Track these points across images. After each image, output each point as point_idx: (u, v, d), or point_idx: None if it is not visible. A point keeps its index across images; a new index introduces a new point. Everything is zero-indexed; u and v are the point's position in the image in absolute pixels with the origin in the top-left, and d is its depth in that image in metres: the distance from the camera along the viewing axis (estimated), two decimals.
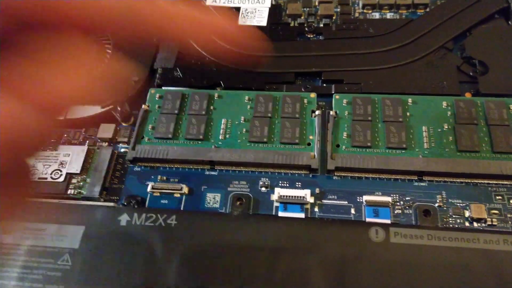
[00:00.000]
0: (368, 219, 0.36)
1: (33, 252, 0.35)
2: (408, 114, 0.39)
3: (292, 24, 0.48)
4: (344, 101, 0.40)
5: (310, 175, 0.38)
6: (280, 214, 0.36)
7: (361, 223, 0.35)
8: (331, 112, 0.39)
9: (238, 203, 0.37)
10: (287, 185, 0.38)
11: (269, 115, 0.40)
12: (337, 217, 0.36)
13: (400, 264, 0.32)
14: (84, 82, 0.20)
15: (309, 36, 0.47)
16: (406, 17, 0.47)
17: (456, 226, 0.35)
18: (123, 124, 0.43)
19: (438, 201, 0.36)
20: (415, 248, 0.32)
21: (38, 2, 0.19)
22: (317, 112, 0.40)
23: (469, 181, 0.36)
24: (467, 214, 0.35)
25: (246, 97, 0.41)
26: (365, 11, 0.49)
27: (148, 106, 0.42)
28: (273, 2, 0.50)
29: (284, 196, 0.37)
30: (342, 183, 0.38)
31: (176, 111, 0.41)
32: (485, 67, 0.41)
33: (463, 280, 0.31)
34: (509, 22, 0.45)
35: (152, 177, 0.39)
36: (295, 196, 0.37)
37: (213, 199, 0.38)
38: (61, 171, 0.40)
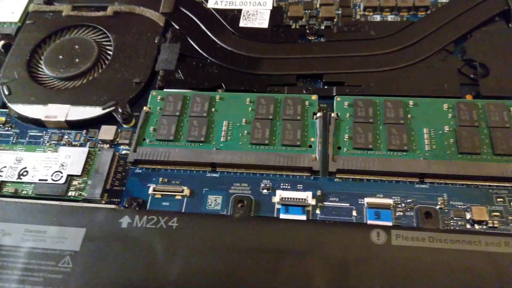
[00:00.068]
0: (369, 221, 0.35)
1: (33, 255, 0.35)
2: (409, 116, 0.39)
3: (293, 26, 0.48)
4: (346, 103, 0.40)
5: (312, 177, 0.38)
6: (282, 216, 0.36)
7: (362, 226, 0.35)
8: (333, 114, 0.40)
9: (239, 205, 0.37)
10: (289, 187, 0.38)
11: (271, 117, 0.40)
12: (339, 219, 0.36)
13: (401, 266, 0.32)
14: None
15: (310, 38, 0.47)
16: (407, 20, 0.47)
17: (458, 228, 0.35)
18: (124, 126, 0.43)
19: (439, 203, 0.36)
20: (417, 250, 0.32)
21: None
22: (318, 114, 0.40)
23: (470, 183, 0.37)
24: (468, 216, 0.35)
25: (248, 99, 0.41)
26: (366, 13, 0.49)
27: (150, 108, 0.42)
28: (275, 4, 0.50)
29: (285, 198, 0.37)
30: (344, 185, 0.38)
31: (177, 113, 0.41)
32: (486, 69, 0.41)
33: (464, 282, 0.31)
34: (510, 25, 0.45)
35: (154, 179, 0.39)
36: (296, 198, 0.37)
37: (214, 201, 0.38)
38: (61, 173, 0.40)
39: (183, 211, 0.38)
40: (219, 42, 0.47)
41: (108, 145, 0.42)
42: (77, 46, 0.47)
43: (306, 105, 0.40)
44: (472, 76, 0.41)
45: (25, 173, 0.40)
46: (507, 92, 0.40)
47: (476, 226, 0.35)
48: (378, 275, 0.32)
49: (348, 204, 0.37)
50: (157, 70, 0.45)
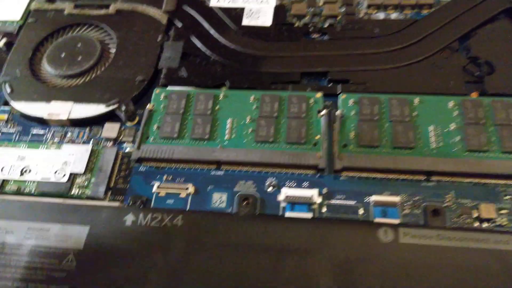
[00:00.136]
0: (376, 219, 0.35)
1: (36, 253, 0.34)
2: (414, 114, 0.39)
3: (296, 25, 0.48)
4: (351, 100, 0.40)
5: (317, 175, 0.38)
6: (287, 214, 0.36)
7: (369, 224, 0.35)
8: (338, 112, 0.39)
9: (244, 203, 0.37)
10: (294, 185, 0.38)
11: (275, 115, 0.40)
12: (345, 218, 0.36)
13: (409, 264, 0.31)
14: None
15: (313, 36, 0.47)
16: (411, 18, 0.47)
17: (465, 226, 0.35)
18: (128, 124, 0.42)
19: (446, 201, 0.36)
20: (425, 248, 0.32)
21: None
22: (323, 112, 0.39)
23: (478, 181, 0.36)
24: (476, 214, 0.35)
25: (252, 97, 0.41)
26: (369, 11, 0.49)
27: (153, 106, 0.41)
28: (278, 3, 0.50)
29: (291, 196, 0.36)
30: (350, 183, 0.37)
31: (181, 111, 0.41)
32: (491, 67, 0.41)
33: (473, 281, 0.31)
34: None
35: (158, 177, 0.39)
36: (302, 196, 0.36)
37: (219, 199, 0.38)
38: (64, 170, 0.39)
39: (188, 209, 0.37)
40: (222, 40, 0.46)
41: (111, 143, 0.42)
42: (79, 44, 0.47)
43: (311, 102, 0.40)
44: (477, 74, 0.41)
45: (27, 171, 0.40)
46: None
47: (484, 224, 0.35)
48: (386, 274, 0.31)
49: (354, 202, 0.36)
50: (160, 68, 0.45)
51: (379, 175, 0.37)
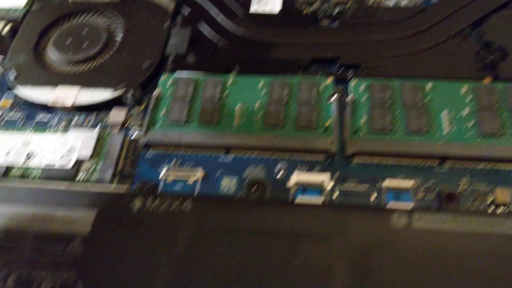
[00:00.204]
0: (389, 204, 0.35)
1: (42, 238, 0.34)
2: (427, 99, 0.38)
3: (305, 11, 0.47)
4: (362, 86, 0.39)
5: (329, 160, 0.37)
6: (298, 199, 0.35)
7: (382, 209, 0.34)
8: (349, 97, 0.39)
9: (254, 188, 0.36)
10: (305, 170, 0.37)
11: (285, 100, 0.39)
12: (357, 203, 0.35)
13: (423, 249, 0.31)
14: None
15: (322, 23, 0.46)
16: (421, 5, 0.47)
17: (480, 211, 0.34)
18: (135, 109, 0.42)
19: (461, 186, 0.35)
20: (439, 233, 0.31)
21: None
22: (334, 97, 0.39)
23: (492, 165, 0.36)
24: (491, 199, 0.34)
25: (261, 83, 0.41)
26: None
27: (160, 92, 0.41)
28: None
29: (302, 181, 0.36)
30: (362, 168, 0.37)
31: (189, 96, 0.40)
32: (505, 52, 0.41)
33: (488, 266, 0.30)
34: None
35: (166, 162, 0.38)
36: (313, 181, 0.36)
37: (228, 184, 0.37)
38: (70, 156, 0.39)
39: (196, 194, 0.37)
40: (230, 27, 0.46)
41: (118, 128, 0.41)
42: (85, 31, 0.46)
43: (321, 88, 0.40)
44: (490, 59, 0.41)
45: (32, 157, 0.39)
46: None
47: (499, 209, 0.34)
48: (400, 259, 0.30)
49: (367, 187, 0.36)
50: (168, 55, 0.44)
51: (391, 160, 0.37)
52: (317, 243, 0.32)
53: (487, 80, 0.39)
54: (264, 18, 0.47)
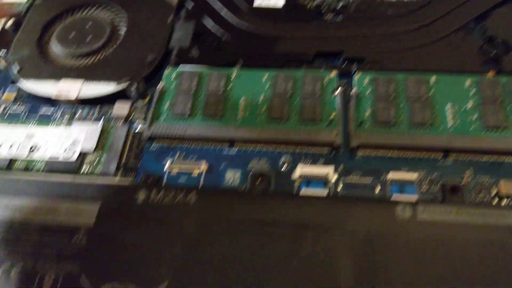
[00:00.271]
0: (393, 197, 0.35)
1: (46, 230, 0.33)
2: (431, 92, 0.38)
3: (309, 6, 0.47)
4: (366, 79, 0.39)
5: (333, 153, 0.37)
6: (302, 191, 0.35)
7: (387, 201, 0.34)
8: (353, 90, 0.39)
9: (258, 180, 0.36)
10: (309, 163, 0.37)
11: (289, 93, 0.39)
12: (361, 195, 0.35)
13: (428, 241, 0.31)
14: None
15: (326, 17, 0.46)
16: None
17: (484, 203, 0.34)
18: (139, 103, 0.42)
19: (465, 178, 0.35)
20: (444, 225, 0.31)
21: None
22: (338, 91, 0.39)
23: (496, 158, 0.36)
24: (495, 191, 0.34)
25: (265, 76, 0.41)
26: None
27: (164, 85, 0.41)
28: None
29: (306, 173, 0.36)
30: (366, 160, 0.37)
31: (193, 90, 0.40)
32: (508, 46, 0.41)
33: (492, 257, 0.30)
34: None
35: (170, 155, 0.38)
36: (317, 174, 0.36)
37: (232, 177, 0.37)
38: (74, 149, 0.39)
39: (200, 187, 0.36)
40: (234, 21, 0.46)
41: (122, 121, 0.41)
42: (89, 25, 0.46)
43: (325, 81, 0.40)
44: (493, 53, 0.41)
45: (36, 149, 0.39)
46: None
47: (504, 201, 0.34)
48: (404, 250, 0.31)
49: (371, 180, 0.36)
50: (171, 48, 0.44)
51: (395, 153, 0.37)
52: (321, 234, 0.32)
53: (490, 74, 0.40)
54: (268, 12, 0.47)
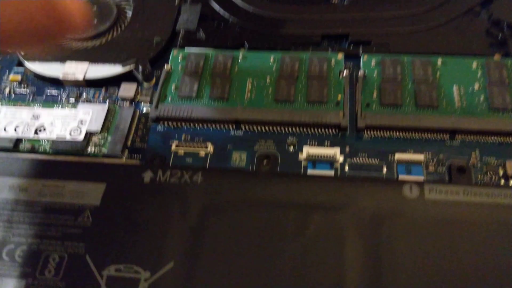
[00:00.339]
0: (400, 178, 0.35)
1: (51, 209, 0.33)
2: (438, 74, 0.38)
3: None
4: (373, 61, 0.39)
5: (339, 134, 0.37)
6: (309, 172, 0.35)
7: (394, 181, 0.34)
8: (360, 72, 0.39)
9: (265, 161, 0.36)
10: (316, 144, 0.37)
11: (296, 75, 0.39)
12: (368, 176, 0.35)
13: (436, 220, 0.31)
14: None
15: (334, 0, 0.46)
16: None
17: (492, 183, 0.34)
18: (145, 84, 0.42)
19: (471, 159, 0.35)
20: (451, 204, 0.31)
21: None
22: (345, 72, 0.39)
23: (503, 139, 0.36)
24: (501, 172, 0.34)
25: (272, 58, 0.40)
26: None
27: (171, 67, 0.41)
28: None
29: (313, 154, 0.36)
30: (373, 141, 0.37)
31: (200, 71, 0.40)
32: None
33: (500, 237, 0.30)
34: None
35: (176, 136, 0.38)
36: (324, 155, 0.36)
37: (239, 158, 0.37)
38: (80, 129, 0.38)
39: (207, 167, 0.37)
40: (240, 3, 0.46)
41: (128, 103, 0.41)
42: (95, 8, 0.46)
43: (332, 63, 0.40)
44: (500, 36, 0.41)
45: (42, 130, 0.39)
46: None
47: (511, 182, 0.34)
48: (412, 230, 0.30)
49: (378, 161, 0.36)
50: (178, 30, 0.44)
51: (402, 134, 0.37)
52: (328, 214, 0.32)
53: (496, 57, 0.40)
54: None
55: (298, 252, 0.30)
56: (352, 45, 0.42)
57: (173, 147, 0.37)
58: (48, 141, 0.38)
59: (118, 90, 0.41)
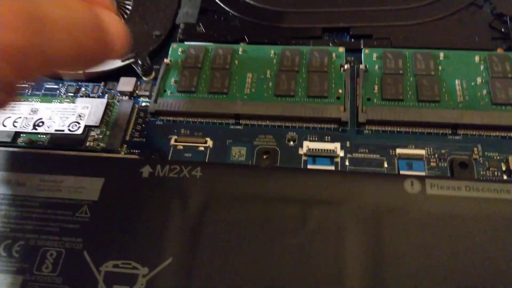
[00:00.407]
0: (401, 172, 0.34)
1: (49, 204, 0.33)
2: (440, 68, 0.38)
3: None
4: (374, 55, 0.39)
5: (340, 129, 0.37)
6: (309, 167, 0.35)
7: (395, 175, 0.34)
8: (361, 66, 0.38)
9: (264, 156, 0.36)
10: (316, 139, 0.37)
11: (296, 69, 0.39)
12: (369, 171, 0.35)
13: (437, 216, 0.30)
14: None
15: None
16: None
17: (494, 179, 0.34)
18: (144, 78, 0.41)
19: (474, 154, 0.35)
20: (453, 199, 0.31)
21: None
22: (346, 66, 0.38)
23: (505, 134, 0.35)
24: (504, 167, 0.34)
25: (272, 51, 0.40)
26: None
27: (170, 61, 0.40)
28: None
29: (313, 149, 0.35)
30: (374, 136, 0.36)
31: (199, 65, 0.40)
32: None
33: (502, 232, 0.30)
34: None
35: (175, 130, 0.38)
36: (324, 150, 0.35)
37: (238, 153, 0.36)
38: (79, 123, 0.38)
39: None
40: None
41: (127, 97, 0.40)
42: None
43: (333, 57, 0.39)
44: (503, 30, 0.40)
45: (40, 124, 0.38)
46: None
47: None
48: (413, 225, 0.30)
49: (379, 156, 0.35)
50: (178, 24, 0.44)
51: (403, 129, 0.36)
52: (329, 208, 0.31)
53: (499, 51, 0.39)
54: None
55: (298, 248, 0.30)
56: (353, 38, 0.42)
57: (172, 141, 0.37)
58: (46, 135, 0.38)
59: (117, 84, 0.41)
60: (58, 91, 0.41)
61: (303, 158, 0.36)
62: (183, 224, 0.31)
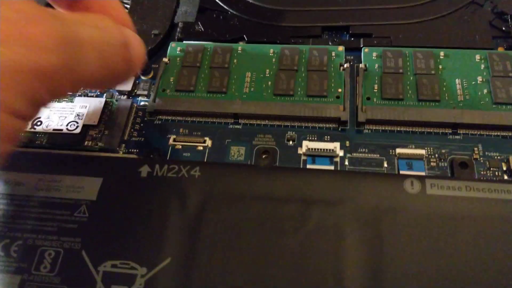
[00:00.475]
0: (401, 172, 0.34)
1: (47, 204, 0.33)
2: (440, 67, 0.38)
3: None
4: (374, 54, 0.39)
5: (339, 129, 0.37)
6: (308, 167, 0.35)
7: (395, 175, 0.34)
8: (361, 65, 0.38)
9: (263, 156, 0.36)
10: (315, 138, 0.36)
11: (295, 68, 0.38)
12: (369, 171, 0.35)
13: (437, 216, 0.30)
14: None
15: None
16: None
17: (495, 179, 0.33)
18: (142, 78, 0.41)
19: (474, 153, 0.35)
20: (453, 199, 0.31)
21: None
22: (345, 65, 0.38)
23: (506, 133, 0.35)
24: (504, 167, 0.34)
25: (271, 50, 0.40)
26: None
27: (169, 60, 0.40)
28: None
29: (312, 149, 0.35)
30: (373, 136, 0.36)
31: (198, 64, 0.39)
32: None
33: (503, 232, 0.29)
34: None
35: (174, 130, 0.38)
36: (324, 149, 0.35)
37: (237, 152, 0.36)
38: (77, 122, 0.38)
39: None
40: None
41: (125, 96, 0.40)
42: None
43: (333, 56, 0.39)
44: (504, 28, 0.40)
45: (38, 123, 0.38)
46: None
47: None
48: (413, 225, 0.30)
49: (378, 155, 0.35)
50: (177, 22, 0.44)
51: (403, 128, 0.36)
52: (329, 208, 0.31)
53: (500, 50, 0.39)
54: None
55: (298, 247, 0.30)
56: (353, 37, 0.42)
57: (171, 141, 0.37)
58: (44, 134, 0.38)
59: None
60: None
61: (303, 157, 0.36)
62: (182, 224, 0.31)
